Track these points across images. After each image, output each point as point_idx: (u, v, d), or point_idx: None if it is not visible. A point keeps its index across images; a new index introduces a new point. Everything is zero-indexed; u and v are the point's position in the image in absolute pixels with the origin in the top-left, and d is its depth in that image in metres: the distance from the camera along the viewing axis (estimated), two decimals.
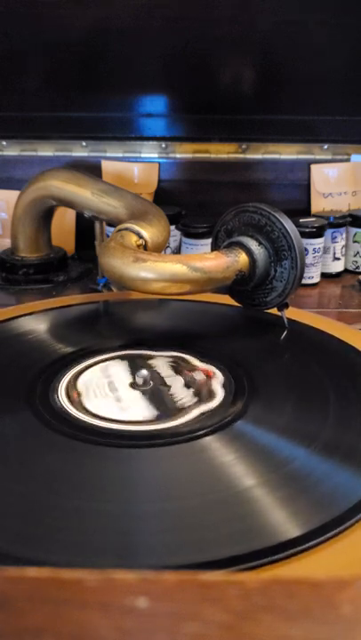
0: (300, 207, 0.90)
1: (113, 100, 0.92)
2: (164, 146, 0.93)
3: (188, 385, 0.47)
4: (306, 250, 0.76)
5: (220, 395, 0.46)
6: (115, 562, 0.30)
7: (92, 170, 0.80)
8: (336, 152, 0.93)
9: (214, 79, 0.91)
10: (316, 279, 0.80)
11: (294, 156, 0.93)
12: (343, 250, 0.83)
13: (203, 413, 0.43)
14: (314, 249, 0.78)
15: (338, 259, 0.82)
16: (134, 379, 0.47)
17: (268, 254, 0.56)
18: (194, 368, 0.50)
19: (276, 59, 0.90)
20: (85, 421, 0.42)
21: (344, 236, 0.82)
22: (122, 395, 0.46)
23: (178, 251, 0.84)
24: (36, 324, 0.59)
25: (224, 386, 0.47)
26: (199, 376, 0.48)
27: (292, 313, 0.59)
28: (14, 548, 0.31)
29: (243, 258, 0.56)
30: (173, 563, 0.30)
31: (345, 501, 0.34)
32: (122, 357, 0.51)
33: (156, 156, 0.93)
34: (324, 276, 0.82)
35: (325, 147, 0.93)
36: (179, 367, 0.50)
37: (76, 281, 0.79)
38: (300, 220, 0.77)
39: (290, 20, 0.86)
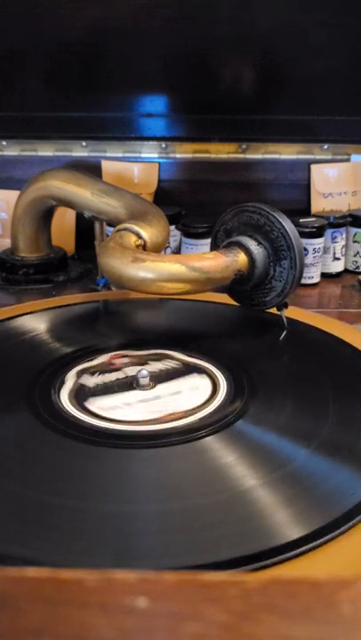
0: (300, 207, 0.90)
1: (113, 99, 0.92)
2: (164, 146, 0.93)
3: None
4: (306, 250, 0.76)
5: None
6: (115, 562, 0.30)
7: (92, 170, 0.79)
8: (336, 152, 0.93)
9: (214, 79, 0.91)
10: (316, 279, 0.80)
11: (294, 156, 0.93)
12: (343, 250, 0.83)
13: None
14: (314, 249, 0.78)
15: (338, 259, 0.82)
16: (138, 382, 0.47)
17: (267, 254, 0.56)
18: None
19: (276, 59, 0.90)
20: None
21: (344, 235, 0.82)
22: (164, 391, 0.46)
23: (178, 251, 0.83)
24: (35, 323, 0.59)
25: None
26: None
27: (291, 312, 0.59)
28: (14, 548, 0.31)
29: (242, 258, 0.56)
30: (173, 563, 0.30)
31: (345, 502, 0.34)
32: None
33: (156, 155, 0.93)
34: (324, 276, 0.82)
35: (325, 147, 0.93)
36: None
37: (76, 281, 0.79)
38: (300, 220, 0.77)
39: (290, 20, 0.86)
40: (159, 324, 0.61)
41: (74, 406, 0.44)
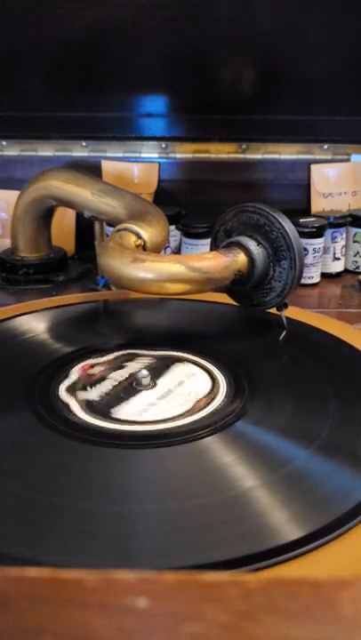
0: (300, 207, 0.90)
1: (113, 100, 0.92)
2: (164, 146, 0.93)
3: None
4: (306, 250, 0.76)
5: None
6: (115, 562, 0.30)
7: (92, 170, 0.79)
8: (336, 152, 0.93)
9: (214, 79, 0.91)
10: (316, 279, 0.80)
11: (294, 156, 0.93)
12: (343, 250, 0.83)
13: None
14: (314, 249, 0.78)
15: (338, 259, 0.82)
16: (139, 382, 0.47)
17: (266, 254, 0.56)
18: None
19: (276, 59, 0.90)
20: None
21: (344, 235, 0.82)
22: (170, 384, 0.47)
23: (178, 251, 0.84)
24: (35, 323, 0.59)
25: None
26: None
27: (292, 312, 0.59)
28: (14, 548, 0.31)
29: (241, 258, 0.56)
30: (173, 563, 0.30)
31: (346, 502, 0.34)
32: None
33: (156, 156, 0.93)
34: (324, 275, 0.82)
35: (325, 147, 0.93)
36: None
37: (76, 281, 0.79)
38: (300, 220, 0.77)
39: (290, 20, 0.86)
40: (159, 324, 0.61)
41: (86, 414, 0.44)
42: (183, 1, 0.84)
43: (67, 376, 0.48)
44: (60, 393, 0.46)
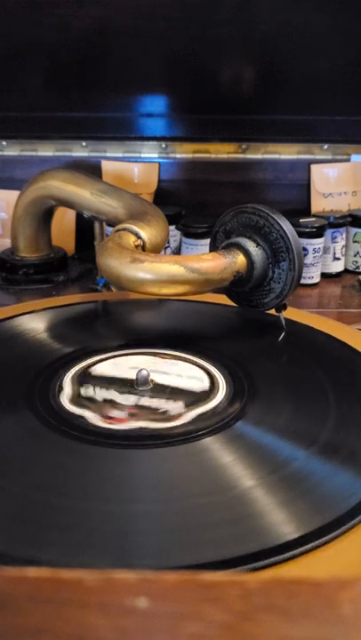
0: (300, 207, 0.90)
1: (113, 100, 0.92)
2: (164, 146, 0.93)
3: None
4: (306, 250, 0.76)
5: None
6: (115, 562, 0.30)
7: (92, 170, 0.80)
8: (336, 152, 0.93)
9: (214, 79, 0.91)
10: (317, 279, 0.80)
11: (294, 156, 0.93)
12: (343, 250, 0.83)
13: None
14: (314, 249, 0.78)
15: (338, 259, 0.82)
16: (139, 382, 0.47)
17: (265, 256, 0.56)
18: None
19: (276, 59, 0.90)
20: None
21: (344, 236, 0.82)
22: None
23: (178, 251, 0.84)
24: (35, 323, 0.59)
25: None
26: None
27: (291, 313, 0.59)
28: (14, 548, 0.31)
29: (240, 259, 0.56)
30: (173, 563, 0.30)
31: (345, 502, 0.34)
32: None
33: (156, 156, 0.93)
34: (324, 275, 0.82)
35: (325, 147, 0.93)
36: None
37: (76, 281, 0.79)
38: (300, 220, 0.77)
39: (290, 20, 0.86)
40: (159, 325, 0.61)
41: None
42: (183, 1, 0.84)
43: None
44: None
